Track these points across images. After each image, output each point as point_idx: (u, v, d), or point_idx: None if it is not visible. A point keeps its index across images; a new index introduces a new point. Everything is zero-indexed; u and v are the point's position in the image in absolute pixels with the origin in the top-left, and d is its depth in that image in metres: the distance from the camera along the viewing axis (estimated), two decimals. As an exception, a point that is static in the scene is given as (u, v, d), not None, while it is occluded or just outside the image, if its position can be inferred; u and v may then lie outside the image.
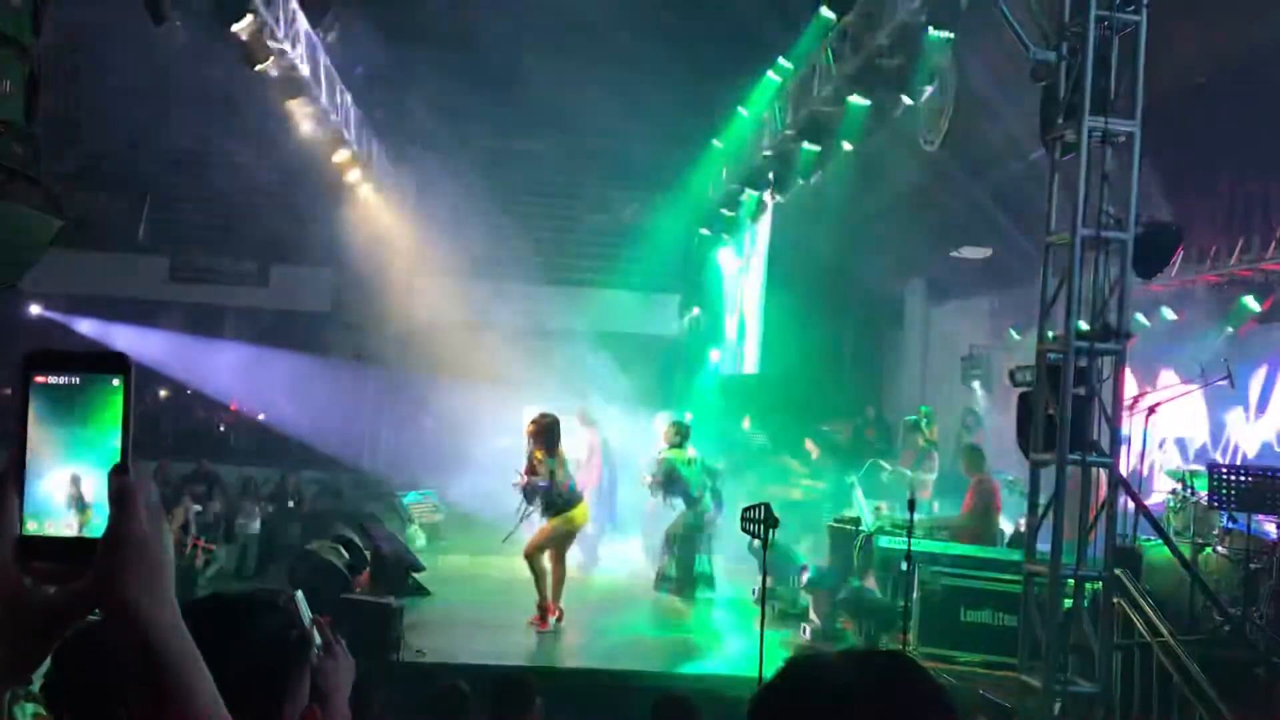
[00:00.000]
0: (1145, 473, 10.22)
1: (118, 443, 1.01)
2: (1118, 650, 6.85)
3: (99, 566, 0.99)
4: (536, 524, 9.94)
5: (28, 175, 5.41)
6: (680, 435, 11.84)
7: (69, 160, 14.40)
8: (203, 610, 1.68)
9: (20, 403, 1.00)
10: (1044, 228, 7.30)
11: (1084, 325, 6.95)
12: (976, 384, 14.85)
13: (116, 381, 1.02)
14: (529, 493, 9.75)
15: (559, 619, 9.81)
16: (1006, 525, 10.53)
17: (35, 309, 18.19)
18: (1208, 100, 9.81)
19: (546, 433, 9.83)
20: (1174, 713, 6.39)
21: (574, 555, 10.90)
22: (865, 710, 1.25)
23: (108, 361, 1.02)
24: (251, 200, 16.61)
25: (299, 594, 1.77)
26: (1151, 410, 9.54)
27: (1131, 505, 8.33)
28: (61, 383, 1.00)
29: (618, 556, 13.42)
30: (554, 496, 9.72)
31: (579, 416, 13.38)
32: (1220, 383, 9.47)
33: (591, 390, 15.07)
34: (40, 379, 1.00)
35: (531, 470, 9.73)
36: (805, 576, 10.37)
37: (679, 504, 11.63)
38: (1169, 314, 11.14)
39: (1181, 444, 11.56)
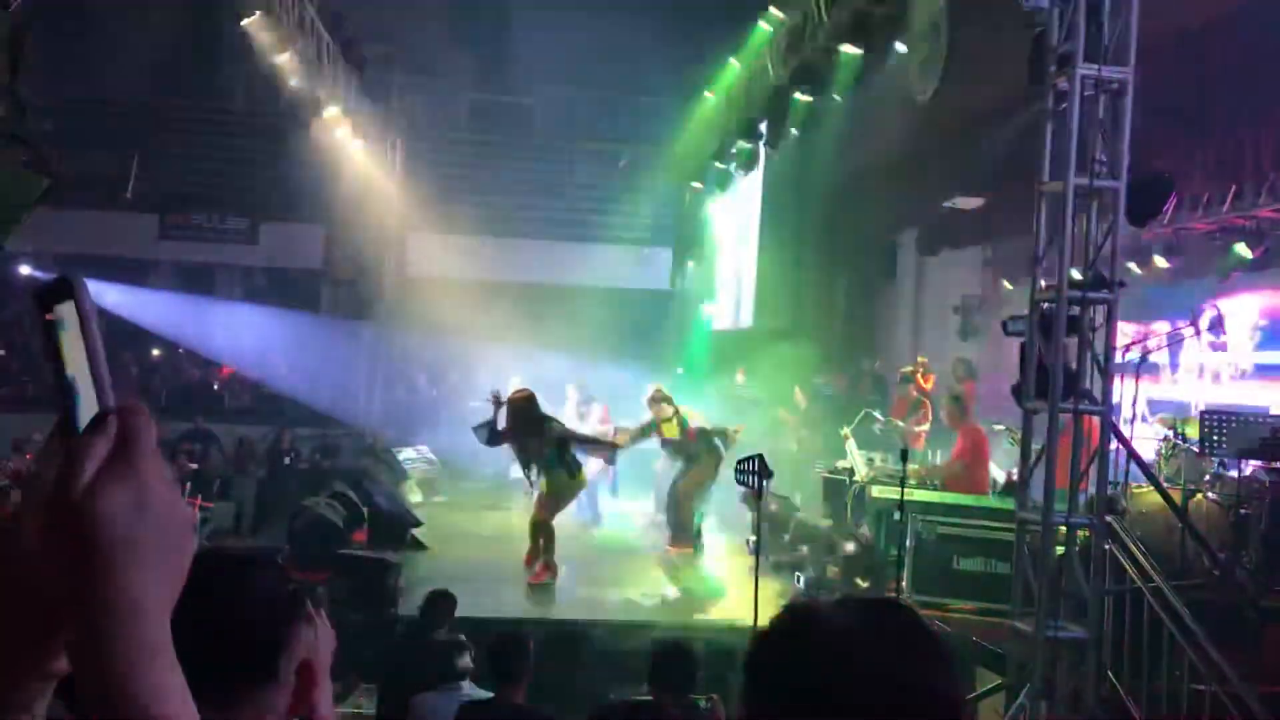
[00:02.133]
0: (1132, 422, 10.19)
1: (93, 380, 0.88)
2: (1108, 596, 6.91)
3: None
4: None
5: (13, 133, 5.36)
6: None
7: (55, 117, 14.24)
8: (200, 566, 1.69)
9: (48, 344, 0.87)
10: (1037, 177, 7.27)
11: (1077, 274, 6.95)
12: (969, 334, 14.85)
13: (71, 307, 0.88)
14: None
15: (554, 575, 9.91)
16: (998, 474, 10.56)
17: (25, 269, 18.08)
18: (1201, 47, 9.72)
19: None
20: (1164, 657, 6.46)
21: (580, 511, 11.05)
22: (861, 657, 1.25)
23: (58, 288, 0.88)
24: (240, 156, 16.47)
25: None
26: (1144, 356, 9.55)
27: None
28: (52, 319, 0.88)
29: (619, 512, 13.47)
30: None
31: (578, 389, 13.49)
32: (1210, 332, 9.48)
33: (582, 345, 15.07)
34: (49, 317, 0.88)
35: None
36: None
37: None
38: (1161, 262, 11.10)
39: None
